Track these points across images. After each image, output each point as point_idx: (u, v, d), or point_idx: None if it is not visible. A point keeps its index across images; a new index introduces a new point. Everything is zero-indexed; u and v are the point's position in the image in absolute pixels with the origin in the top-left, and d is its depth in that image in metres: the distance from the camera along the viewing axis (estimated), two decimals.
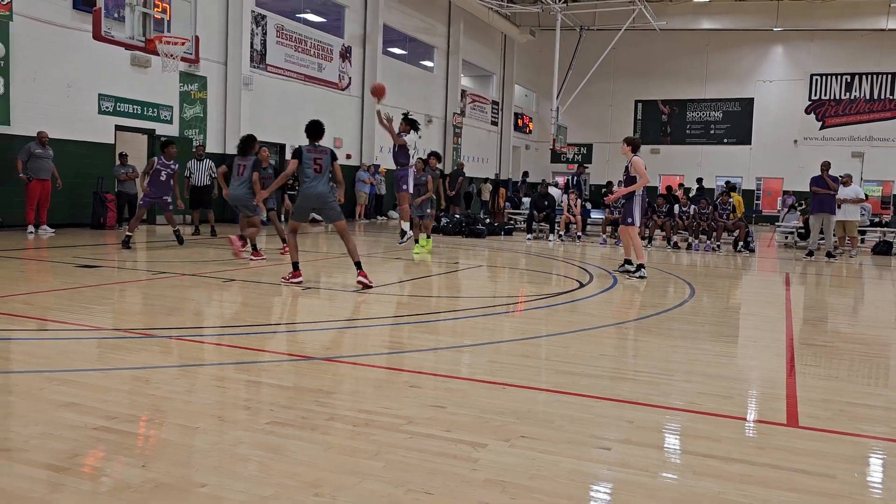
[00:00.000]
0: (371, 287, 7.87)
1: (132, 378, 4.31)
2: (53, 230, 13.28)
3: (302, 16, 22.16)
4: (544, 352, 5.40)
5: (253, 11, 18.78)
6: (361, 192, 22.35)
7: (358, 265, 8.03)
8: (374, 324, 6.34)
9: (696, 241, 16.31)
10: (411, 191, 11.88)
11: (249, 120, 18.52)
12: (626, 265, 10.23)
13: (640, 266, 9.90)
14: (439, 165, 14.14)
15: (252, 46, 18.77)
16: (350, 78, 23.09)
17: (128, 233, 11.17)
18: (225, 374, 4.44)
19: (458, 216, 17.93)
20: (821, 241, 14.92)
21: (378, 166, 23.39)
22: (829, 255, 14.48)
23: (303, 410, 3.64)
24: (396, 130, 11.28)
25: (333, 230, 9.56)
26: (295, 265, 8.20)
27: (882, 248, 16.75)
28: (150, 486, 2.70)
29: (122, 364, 4.67)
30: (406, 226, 11.54)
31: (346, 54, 22.81)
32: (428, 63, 28.40)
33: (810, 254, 14.49)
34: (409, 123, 11.51)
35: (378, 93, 10.64)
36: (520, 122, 34.85)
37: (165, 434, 3.33)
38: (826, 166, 14.59)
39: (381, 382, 4.36)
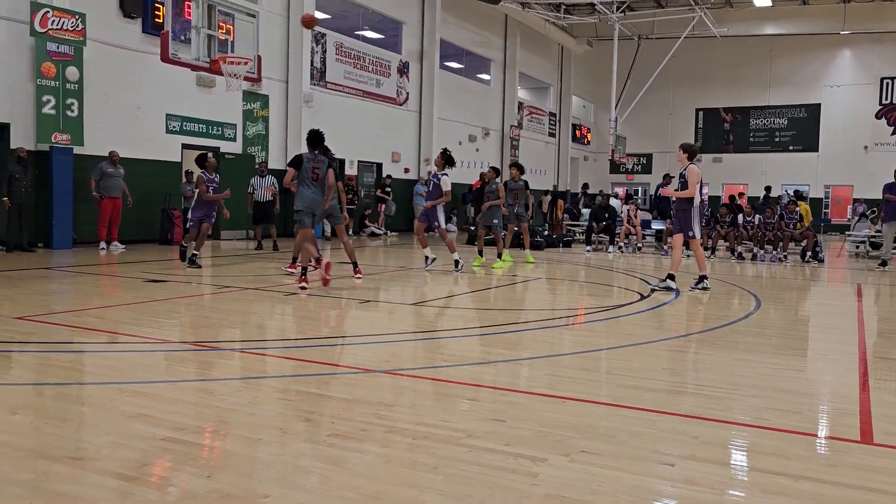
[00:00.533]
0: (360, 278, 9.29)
1: (198, 390, 4.42)
2: (124, 246, 13.77)
3: (360, 33, 22.52)
4: (605, 365, 5.32)
5: (313, 30, 19.18)
6: (419, 206, 22.47)
7: (355, 265, 9.39)
8: (432, 336, 6.35)
9: (762, 252, 15.86)
10: (444, 225, 11.90)
11: None
12: (668, 280, 9.62)
13: (703, 277, 9.69)
14: (523, 177, 13.81)
15: (312, 64, 19.16)
16: (408, 93, 23.32)
17: (194, 251, 11.11)
18: (286, 386, 4.51)
19: (516, 229, 17.81)
20: (895, 251, 14.31)
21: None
22: (883, 263, 13.79)
23: (362, 423, 3.67)
24: (434, 168, 11.57)
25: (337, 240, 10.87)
26: (303, 270, 8.79)
27: None
28: (216, 496, 2.75)
29: (189, 376, 4.79)
30: (428, 251, 11.69)
31: (403, 70, 23.06)
32: (485, 76, 28.49)
33: (883, 263, 13.91)
34: (447, 160, 11.41)
35: (308, 23, 11.21)
36: (577, 133, 34.60)
37: (229, 445, 3.40)
38: None
39: (439, 395, 4.36)
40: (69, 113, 13.46)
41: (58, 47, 13.19)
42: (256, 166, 15.99)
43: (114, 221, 13.70)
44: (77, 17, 13.37)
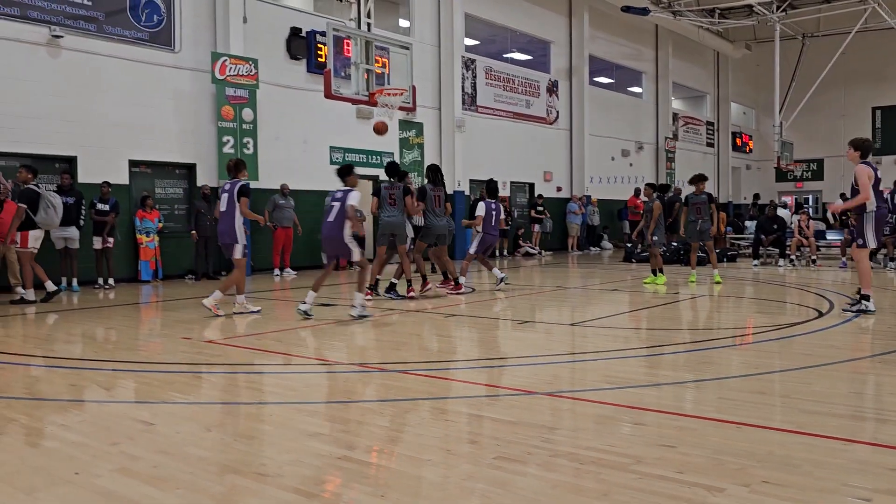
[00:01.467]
0: (413, 298, 9.94)
1: (368, 411, 4.60)
2: (296, 272, 14.66)
3: (509, 55, 22.77)
4: (781, 388, 4.99)
5: (463, 57, 19.63)
6: (573, 224, 22.27)
7: (403, 283, 10.26)
8: (593, 357, 6.24)
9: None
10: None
11: (462, 159, 19.27)
12: (862, 302, 8.22)
13: (865, 297, 8.20)
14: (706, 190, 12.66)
15: (463, 90, 19.59)
16: (558, 112, 23.25)
17: (377, 276, 10.54)
18: (451, 407, 4.60)
19: (675, 244, 17.23)
20: None
21: (590, 197, 23.21)
22: None
23: (527, 446, 3.66)
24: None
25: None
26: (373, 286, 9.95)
27: None
28: None
29: (359, 397, 5.01)
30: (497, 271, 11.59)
31: (552, 88, 23.04)
32: (636, 89, 27.85)
33: None
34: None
35: (380, 131, 11.68)
36: (738, 141, 32.93)
37: (399, 465, 3.51)
38: None
39: (604, 419, 4.27)
40: (245, 151, 14.58)
41: (235, 91, 14.36)
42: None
43: (286, 249, 14.65)
44: (250, 62, 14.51)
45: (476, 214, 11.47)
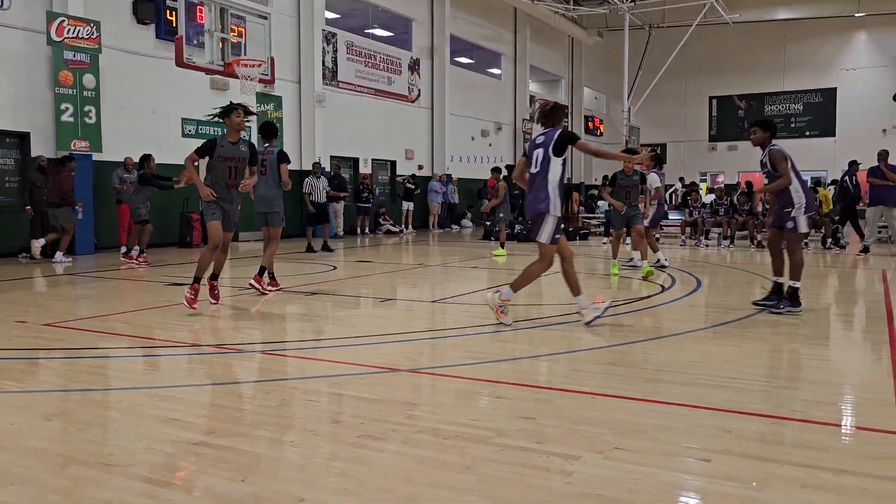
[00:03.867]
0: (264, 294, 8.29)
1: (226, 393, 4.43)
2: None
3: (371, 31, 22.52)
4: (631, 359, 5.28)
5: (324, 30, 19.19)
6: (434, 203, 22.48)
7: (262, 271, 8.41)
8: (454, 334, 6.33)
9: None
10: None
11: (323, 136, 18.91)
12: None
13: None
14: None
15: (324, 64, 19.17)
16: (419, 90, 23.30)
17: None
18: (312, 387, 4.51)
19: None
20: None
21: (450, 176, 23.48)
22: (865, 249, 13.64)
23: (390, 423, 3.66)
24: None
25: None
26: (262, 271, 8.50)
27: None
28: (252, 499, 2.75)
29: (216, 379, 4.81)
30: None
31: (414, 66, 23.04)
32: (496, 70, 28.40)
33: (865, 249, 13.68)
34: (656, 160, 11.39)
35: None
36: (590, 124, 34.43)
37: (261, 448, 3.40)
38: (884, 155, 13.85)
39: (466, 394, 4.34)
40: (87, 120, 13.55)
41: (74, 55, 13.27)
42: (312, 168, 16.03)
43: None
44: (92, 24, 13.45)
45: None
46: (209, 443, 3.40)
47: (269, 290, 8.39)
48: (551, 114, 6.25)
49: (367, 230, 20.15)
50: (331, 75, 19.60)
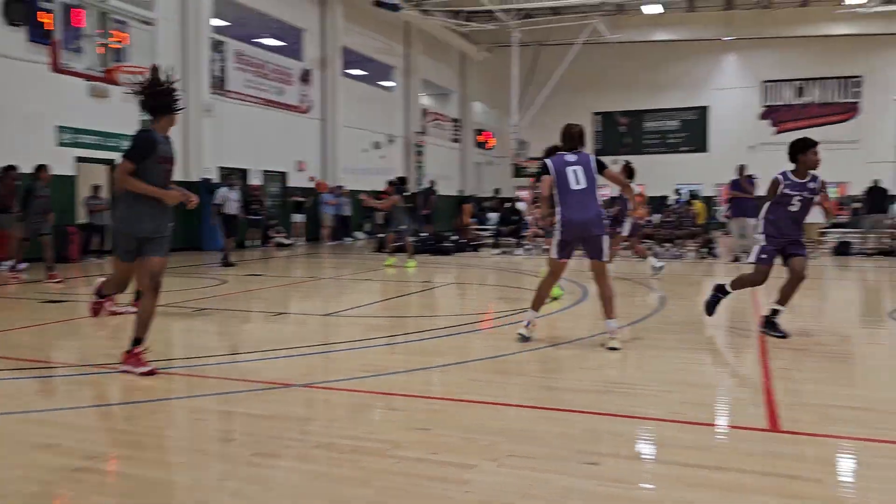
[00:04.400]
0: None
1: (108, 415, 4.22)
2: (27, 263, 12.91)
3: (260, 41, 22.07)
4: (524, 368, 5.40)
5: (211, 38, 18.66)
6: (326, 214, 22.23)
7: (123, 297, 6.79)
8: (347, 347, 6.28)
9: (662, 250, 16.52)
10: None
11: (211, 146, 18.37)
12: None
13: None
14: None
15: (211, 73, 18.63)
16: (311, 101, 23.04)
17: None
18: (202, 405, 4.36)
19: (425, 234, 17.96)
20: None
21: (341, 187, 23.29)
22: (735, 258, 14.47)
23: (286, 440, 3.59)
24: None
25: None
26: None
27: (842, 249, 17.15)
28: None
29: (97, 401, 4.57)
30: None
31: (306, 77, 22.77)
32: (388, 83, 28.48)
33: (735, 259, 14.52)
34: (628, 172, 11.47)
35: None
36: (480, 138, 35.06)
37: (149, 472, 3.25)
38: (741, 169, 14.82)
39: (361, 407, 4.32)
40: None
41: None
42: (224, 179, 15.53)
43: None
44: None
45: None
46: (90, 468, 3.22)
47: (117, 311, 7.05)
48: (580, 137, 6.29)
49: (257, 243, 19.67)
50: (219, 84, 19.07)
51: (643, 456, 3.40)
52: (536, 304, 6.33)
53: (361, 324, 7.53)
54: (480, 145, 35.06)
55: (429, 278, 12.09)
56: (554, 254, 6.23)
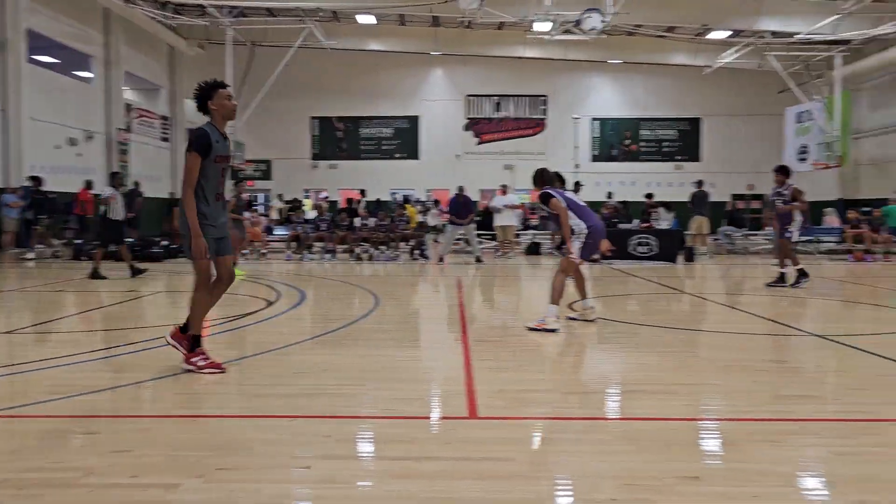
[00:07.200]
0: None
1: None
2: None
3: None
4: (236, 377, 5.22)
5: None
6: (8, 219, 19.57)
7: None
8: (37, 367, 5.58)
9: (377, 252, 17.08)
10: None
11: None
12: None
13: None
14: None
15: None
16: None
17: None
18: None
19: (131, 239, 16.59)
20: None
21: (28, 188, 20.68)
22: (478, 259, 16.18)
23: None
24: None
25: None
26: None
27: (533, 249, 19.14)
28: None
29: None
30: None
31: None
32: (86, 74, 25.88)
33: (441, 259, 16.02)
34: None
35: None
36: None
37: None
38: (461, 189, 16.65)
39: (51, 434, 3.86)
40: None
41: None
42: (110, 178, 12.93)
43: None
44: None
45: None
46: None
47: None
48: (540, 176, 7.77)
49: None
50: None
51: (355, 455, 3.47)
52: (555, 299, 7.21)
53: (56, 340, 6.75)
54: None
55: (134, 287, 11.20)
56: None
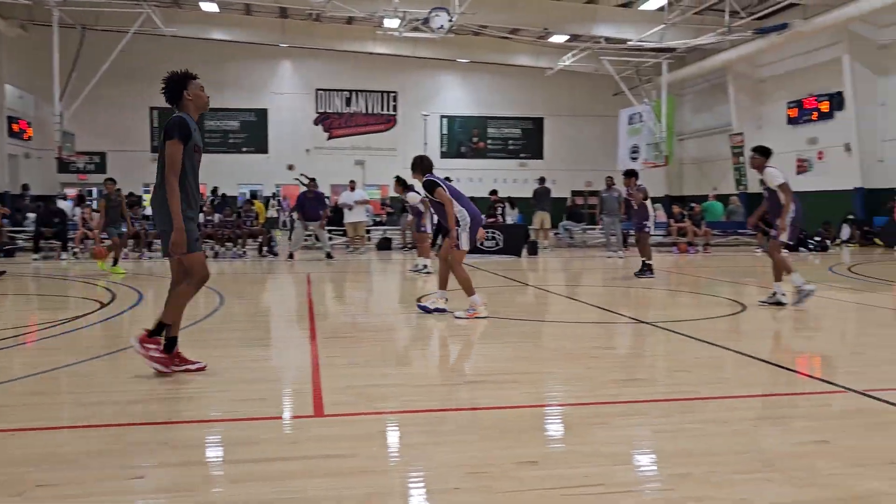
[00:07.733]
0: None
1: None
2: None
3: None
4: (64, 385, 4.87)
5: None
6: None
7: None
8: None
9: (223, 249, 16.49)
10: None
11: None
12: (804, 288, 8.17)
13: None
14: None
15: None
16: None
17: None
18: None
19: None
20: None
21: None
22: (328, 255, 15.92)
23: None
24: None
25: None
26: None
27: (384, 245, 19.20)
28: None
29: None
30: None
31: None
32: None
33: (290, 256, 15.77)
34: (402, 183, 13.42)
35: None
36: (15, 127, 30.63)
37: None
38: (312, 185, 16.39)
39: None
40: None
41: None
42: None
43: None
44: None
45: None
46: None
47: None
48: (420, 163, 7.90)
49: None
50: None
51: (192, 460, 3.34)
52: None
53: None
54: (16, 135, 30.64)
55: None
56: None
